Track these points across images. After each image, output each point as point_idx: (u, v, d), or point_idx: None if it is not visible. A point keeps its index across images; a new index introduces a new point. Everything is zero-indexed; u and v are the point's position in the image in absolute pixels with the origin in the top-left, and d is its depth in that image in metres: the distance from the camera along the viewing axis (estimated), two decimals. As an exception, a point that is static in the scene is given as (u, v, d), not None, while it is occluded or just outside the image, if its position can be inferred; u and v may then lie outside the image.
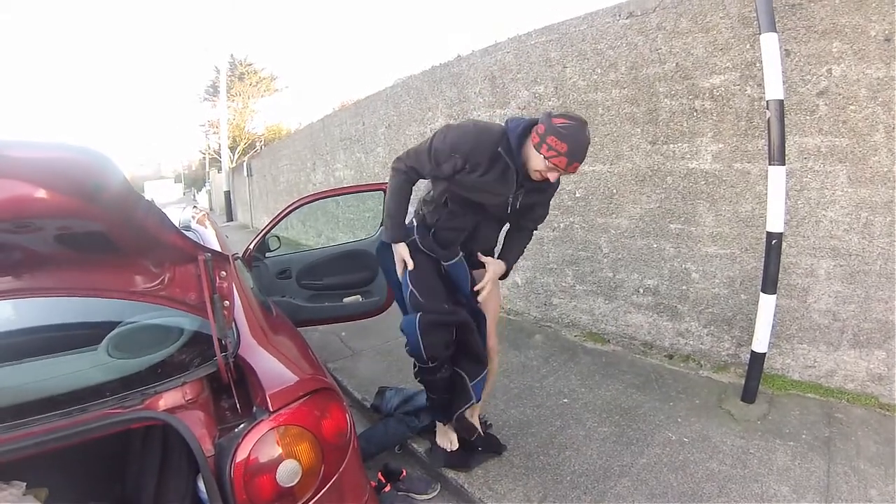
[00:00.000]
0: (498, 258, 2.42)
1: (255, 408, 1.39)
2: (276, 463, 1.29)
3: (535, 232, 2.50)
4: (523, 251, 2.51)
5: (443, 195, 2.24)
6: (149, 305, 1.54)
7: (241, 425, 1.34)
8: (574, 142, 1.95)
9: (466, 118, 5.09)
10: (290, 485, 1.30)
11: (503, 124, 2.13)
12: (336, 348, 4.28)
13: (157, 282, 1.50)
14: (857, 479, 2.30)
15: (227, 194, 20.56)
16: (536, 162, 2.02)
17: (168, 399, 1.42)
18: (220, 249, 2.06)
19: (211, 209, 25.77)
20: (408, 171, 2.26)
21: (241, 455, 1.27)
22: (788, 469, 2.39)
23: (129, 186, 1.12)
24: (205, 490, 1.27)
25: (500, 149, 2.07)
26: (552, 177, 2.06)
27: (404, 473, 2.49)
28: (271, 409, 1.33)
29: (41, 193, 1.00)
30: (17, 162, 0.95)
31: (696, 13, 3.28)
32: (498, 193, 2.16)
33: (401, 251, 2.31)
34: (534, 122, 2.05)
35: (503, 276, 2.44)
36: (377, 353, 4.04)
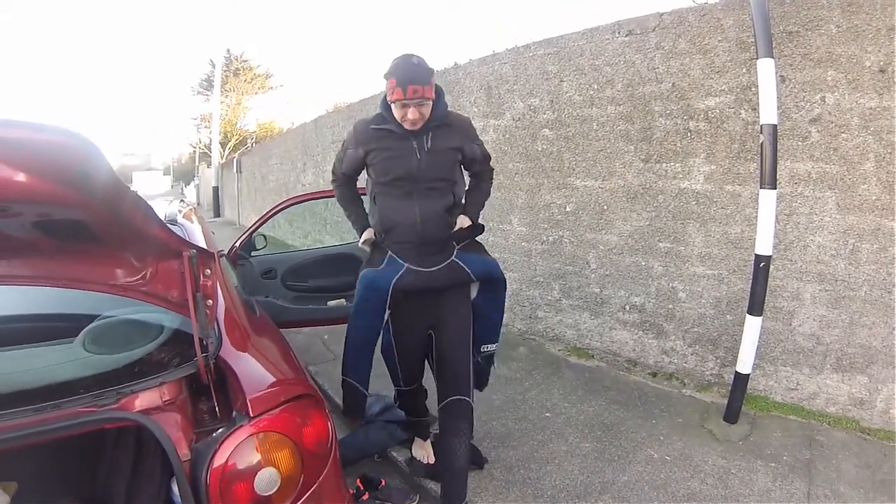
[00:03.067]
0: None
1: (234, 412, 1.35)
2: (254, 470, 1.25)
3: (489, 178, 2.50)
4: (484, 199, 2.51)
5: (373, 192, 2.32)
6: (128, 300, 1.48)
7: (220, 430, 1.29)
8: (400, 67, 2.06)
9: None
10: (267, 493, 1.26)
11: None
12: (318, 351, 4.24)
13: (138, 276, 1.45)
14: (837, 502, 2.31)
15: (216, 190, 20.42)
16: (396, 113, 2.12)
17: (144, 399, 1.37)
18: (205, 246, 2.02)
19: (198, 204, 25.54)
20: (342, 177, 2.43)
21: (219, 461, 1.22)
22: (769, 490, 2.39)
23: (115, 175, 1.08)
24: (178, 495, 1.23)
25: (372, 126, 2.22)
26: (411, 114, 2.09)
27: (383, 483, 2.45)
28: (251, 415, 1.29)
29: (20, 176, 0.95)
30: None
31: (695, 35, 3.30)
32: (402, 157, 2.18)
33: (366, 237, 2.40)
34: None
35: (478, 232, 2.41)
36: (360, 358, 3.99)
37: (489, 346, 2.49)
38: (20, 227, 1.19)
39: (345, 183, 2.46)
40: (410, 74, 2.04)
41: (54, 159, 0.96)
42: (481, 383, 2.59)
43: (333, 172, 2.48)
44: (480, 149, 2.38)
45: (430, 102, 2.13)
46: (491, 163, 2.48)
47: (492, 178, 2.53)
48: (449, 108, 2.28)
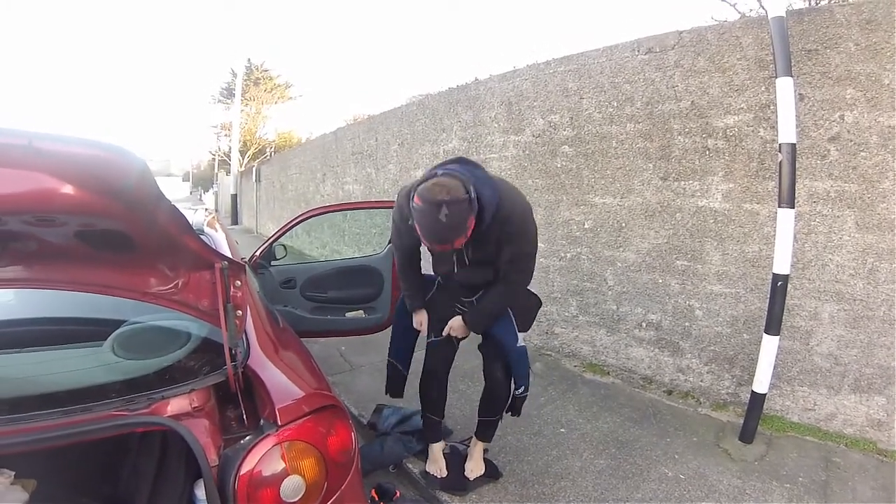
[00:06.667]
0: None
1: (262, 420, 1.38)
2: (280, 477, 1.29)
3: (515, 283, 2.36)
4: (495, 306, 2.39)
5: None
6: (155, 307, 1.51)
7: (248, 437, 1.34)
8: (424, 227, 1.85)
9: (480, 142, 5.15)
10: (292, 500, 1.30)
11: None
12: (335, 362, 4.27)
13: (171, 285, 1.49)
14: (853, 526, 2.29)
15: (234, 197, 20.58)
16: None
17: (174, 405, 1.41)
18: (230, 255, 2.06)
19: (216, 210, 25.72)
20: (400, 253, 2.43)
21: (247, 467, 1.27)
22: (785, 513, 2.38)
23: (158, 190, 1.10)
24: (204, 499, 1.27)
25: (410, 222, 2.01)
26: (439, 251, 1.95)
27: (398, 494, 2.47)
28: (279, 424, 1.33)
29: (68, 189, 0.98)
30: (46, 156, 0.92)
31: (714, 53, 3.33)
32: (442, 263, 2.15)
33: (418, 317, 2.49)
34: None
35: (477, 331, 2.46)
36: (376, 369, 4.01)
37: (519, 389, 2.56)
38: (63, 235, 1.24)
39: (404, 257, 2.44)
40: (438, 235, 1.87)
41: (103, 174, 1.00)
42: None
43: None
44: (514, 249, 2.20)
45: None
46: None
47: (520, 280, 2.38)
48: (499, 200, 2.01)
